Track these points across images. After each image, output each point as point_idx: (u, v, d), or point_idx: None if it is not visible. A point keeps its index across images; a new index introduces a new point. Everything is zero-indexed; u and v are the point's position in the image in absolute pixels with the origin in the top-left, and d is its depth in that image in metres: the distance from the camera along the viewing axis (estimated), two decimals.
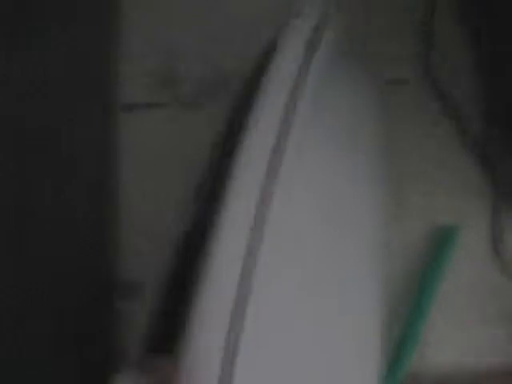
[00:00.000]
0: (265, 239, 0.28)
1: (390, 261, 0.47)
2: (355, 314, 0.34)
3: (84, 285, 0.51)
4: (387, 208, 0.42)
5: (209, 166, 0.40)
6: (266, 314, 0.27)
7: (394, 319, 0.47)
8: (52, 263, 0.50)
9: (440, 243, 0.50)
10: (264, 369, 0.27)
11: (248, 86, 0.38)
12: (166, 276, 0.38)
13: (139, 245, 0.51)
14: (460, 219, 0.52)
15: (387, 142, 0.45)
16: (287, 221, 0.29)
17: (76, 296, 0.50)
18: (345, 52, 0.40)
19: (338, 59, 0.38)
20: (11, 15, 0.52)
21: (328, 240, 0.33)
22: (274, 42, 0.35)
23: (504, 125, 0.52)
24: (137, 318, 0.50)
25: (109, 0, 0.56)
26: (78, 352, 0.50)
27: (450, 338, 0.48)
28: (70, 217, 0.51)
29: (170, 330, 0.30)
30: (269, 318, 0.27)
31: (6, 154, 0.51)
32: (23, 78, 0.51)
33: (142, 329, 0.49)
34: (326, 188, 0.34)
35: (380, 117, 0.45)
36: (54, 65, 0.53)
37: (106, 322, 0.51)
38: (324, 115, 0.35)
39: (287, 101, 0.32)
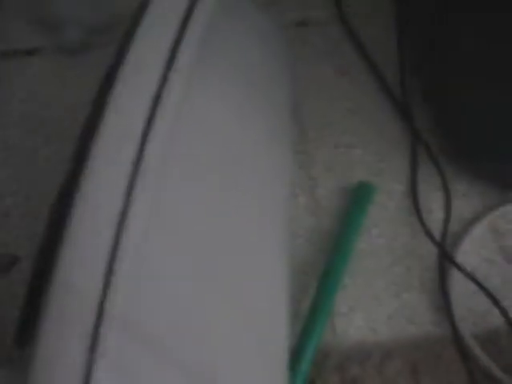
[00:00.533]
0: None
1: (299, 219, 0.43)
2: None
3: None
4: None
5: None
6: None
7: (303, 287, 0.43)
8: None
9: (354, 201, 0.45)
10: None
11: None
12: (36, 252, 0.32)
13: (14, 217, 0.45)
14: (376, 175, 0.47)
15: (293, 85, 0.40)
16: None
17: None
18: None
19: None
20: None
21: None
22: None
23: (420, 71, 0.47)
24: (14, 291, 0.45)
25: None
26: None
27: (362, 306, 0.43)
28: None
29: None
30: None
31: None
32: None
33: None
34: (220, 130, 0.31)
35: (282, 59, 0.40)
36: None
37: None
38: (217, 57, 0.32)
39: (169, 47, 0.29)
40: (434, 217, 0.45)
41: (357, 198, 0.45)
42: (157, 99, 0.27)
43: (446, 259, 0.43)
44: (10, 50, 0.49)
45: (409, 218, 0.45)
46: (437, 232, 0.44)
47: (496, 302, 0.41)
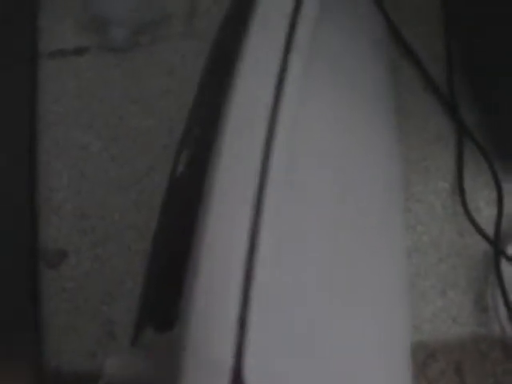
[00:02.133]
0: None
1: None
2: None
3: (9, 254, 0.46)
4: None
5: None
6: None
7: None
8: None
9: None
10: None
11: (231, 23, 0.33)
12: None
13: (61, 211, 0.47)
14: (421, 173, 0.46)
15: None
16: None
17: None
18: None
19: None
20: None
21: None
22: None
23: (466, 70, 0.47)
24: (63, 284, 0.46)
25: None
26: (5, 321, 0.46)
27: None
28: None
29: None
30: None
31: None
32: None
33: (67, 295, 0.45)
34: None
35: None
36: None
37: (33, 288, 0.47)
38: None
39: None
40: (482, 214, 0.45)
41: None
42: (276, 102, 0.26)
43: (500, 257, 0.42)
44: (57, 50, 0.50)
45: (455, 216, 0.45)
46: (485, 230, 0.43)
47: None
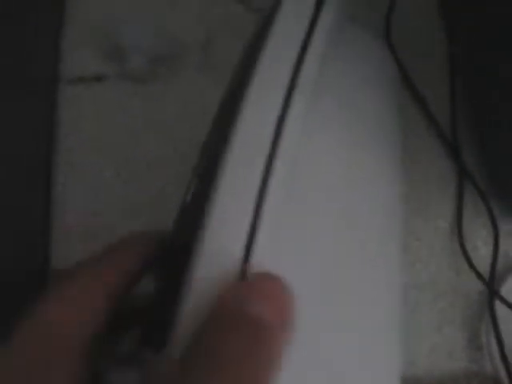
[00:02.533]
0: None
1: None
2: None
3: (17, 275, 0.48)
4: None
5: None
6: None
7: None
8: None
9: None
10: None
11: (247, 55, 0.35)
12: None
13: (73, 233, 0.48)
14: (422, 211, 0.48)
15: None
16: None
17: (10, 287, 0.47)
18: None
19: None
20: None
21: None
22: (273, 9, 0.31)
23: (471, 109, 0.48)
24: None
25: None
26: None
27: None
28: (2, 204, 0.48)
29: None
30: None
31: None
32: None
33: None
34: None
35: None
36: None
37: None
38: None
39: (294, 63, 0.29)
40: (480, 254, 0.46)
41: None
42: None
43: (494, 297, 0.43)
44: (78, 77, 0.52)
45: (454, 255, 0.46)
46: (481, 269, 0.45)
47: None
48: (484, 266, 0.46)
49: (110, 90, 0.51)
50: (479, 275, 0.43)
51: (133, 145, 0.49)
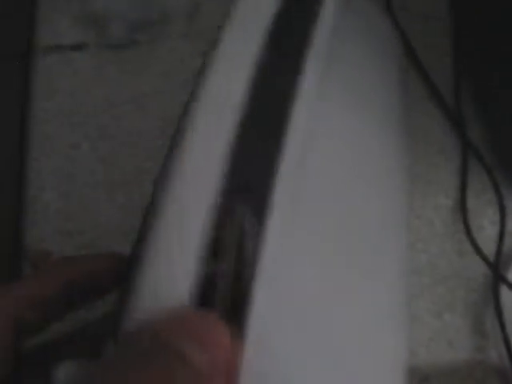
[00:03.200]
0: None
1: None
2: None
3: None
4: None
5: None
6: None
7: None
8: None
9: None
10: None
11: None
12: None
13: (48, 211, 0.45)
14: (423, 187, 0.44)
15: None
16: None
17: None
18: None
19: None
20: None
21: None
22: None
23: (473, 84, 0.45)
24: None
25: None
26: None
27: None
28: None
29: None
30: None
31: None
32: None
33: None
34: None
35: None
36: None
37: None
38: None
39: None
40: (485, 234, 0.43)
41: None
42: None
43: (499, 281, 0.40)
44: (54, 45, 0.48)
45: (456, 235, 0.43)
46: (487, 251, 0.41)
47: None
48: (490, 247, 0.42)
49: (88, 59, 0.48)
50: (484, 257, 0.40)
51: (111, 118, 0.46)
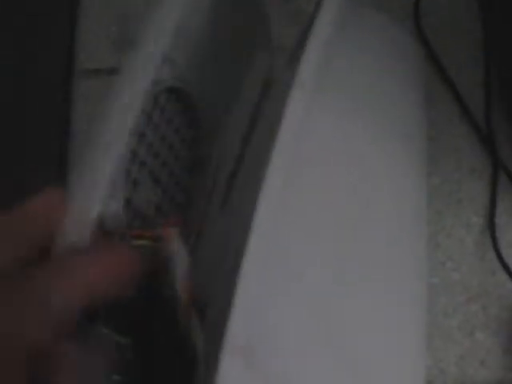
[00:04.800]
0: None
1: None
2: None
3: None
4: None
5: None
6: None
7: None
8: None
9: None
10: None
11: None
12: None
13: None
14: (454, 205, 0.44)
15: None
16: None
17: None
18: None
19: None
20: None
21: None
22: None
23: (505, 100, 0.45)
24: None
25: None
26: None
27: (432, 343, 0.41)
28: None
29: None
30: None
31: None
32: None
33: None
34: None
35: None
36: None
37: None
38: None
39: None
40: None
41: None
42: None
43: None
44: (93, 69, 0.50)
45: (488, 253, 0.43)
46: None
47: None
48: None
49: None
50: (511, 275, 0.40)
51: None
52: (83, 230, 0.23)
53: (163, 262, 0.25)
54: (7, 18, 0.49)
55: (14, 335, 0.21)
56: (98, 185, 0.24)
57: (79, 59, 0.51)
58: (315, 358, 0.25)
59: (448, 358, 0.40)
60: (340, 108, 0.31)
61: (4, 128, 0.48)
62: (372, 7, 0.39)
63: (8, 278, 0.22)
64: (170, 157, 0.32)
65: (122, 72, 0.26)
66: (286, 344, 0.24)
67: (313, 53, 0.28)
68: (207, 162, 0.36)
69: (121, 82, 0.26)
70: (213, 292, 0.27)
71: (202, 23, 0.33)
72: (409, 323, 0.30)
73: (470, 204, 0.44)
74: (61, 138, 0.48)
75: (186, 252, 0.25)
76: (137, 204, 0.28)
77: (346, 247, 0.28)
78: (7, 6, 0.49)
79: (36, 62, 0.49)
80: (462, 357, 0.40)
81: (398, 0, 0.49)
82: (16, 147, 0.48)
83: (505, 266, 0.40)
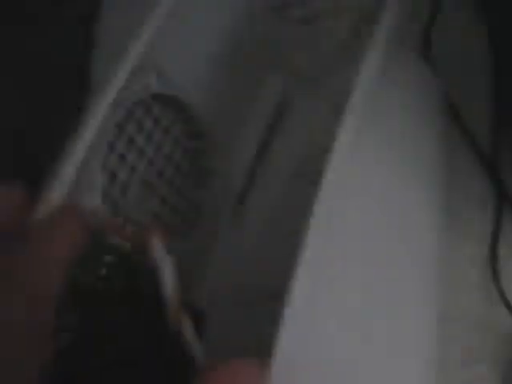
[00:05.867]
0: None
1: None
2: None
3: None
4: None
5: None
6: None
7: None
8: None
9: None
10: None
11: None
12: None
13: None
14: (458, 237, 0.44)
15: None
16: None
17: None
18: None
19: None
20: None
21: None
22: None
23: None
24: None
25: None
26: None
27: None
28: None
29: None
30: None
31: None
32: None
33: None
34: None
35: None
36: None
37: None
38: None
39: None
40: None
41: None
42: None
43: None
44: None
45: (488, 285, 0.42)
46: None
47: None
48: None
49: None
50: (510, 309, 0.39)
51: None
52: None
53: (143, 264, 0.25)
54: None
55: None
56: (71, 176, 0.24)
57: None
58: None
59: None
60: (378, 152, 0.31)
61: None
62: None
63: None
64: (167, 166, 0.32)
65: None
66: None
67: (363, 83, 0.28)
68: (213, 174, 0.36)
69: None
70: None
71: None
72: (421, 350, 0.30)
73: (473, 235, 0.44)
74: None
75: (168, 256, 0.25)
76: (126, 208, 0.28)
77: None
78: None
79: None
80: None
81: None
82: None
83: (503, 297, 0.40)
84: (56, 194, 0.23)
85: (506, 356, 0.40)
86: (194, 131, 0.34)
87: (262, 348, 0.22)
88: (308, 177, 0.30)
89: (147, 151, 0.29)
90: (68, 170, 0.24)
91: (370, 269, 0.28)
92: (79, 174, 0.24)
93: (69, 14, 0.53)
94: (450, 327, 0.41)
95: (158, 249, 0.25)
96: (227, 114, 0.35)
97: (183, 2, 0.29)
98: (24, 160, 0.48)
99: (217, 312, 0.28)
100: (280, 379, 0.21)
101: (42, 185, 0.24)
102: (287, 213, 0.32)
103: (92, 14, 0.53)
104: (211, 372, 0.21)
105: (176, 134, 0.32)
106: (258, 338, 0.22)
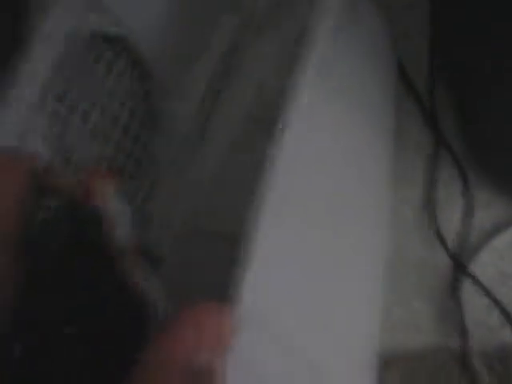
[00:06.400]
0: None
1: None
2: None
3: None
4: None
5: None
6: None
7: None
8: None
9: None
10: None
11: None
12: None
13: None
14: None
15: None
16: None
17: None
18: None
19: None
20: None
21: None
22: None
23: (450, 76, 0.46)
24: None
25: None
26: None
27: None
28: None
29: None
30: None
31: None
32: None
33: None
34: None
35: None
36: None
37: None
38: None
39: None
40: (453, 227, 0.44)
41: None
42: None
43: (459, 270, 0.41)
44: None
45: (425, 226, 0.44)
46: (455, 243, 0.43)
47: (509, 318, 0.39)
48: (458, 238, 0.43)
49: None
50: (446, 247, 0.41)
51: None
52: None
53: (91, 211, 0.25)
54: None
55: None
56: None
57: None
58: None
59: (384, 324, 0.42)
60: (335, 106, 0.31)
61: None
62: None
63: None
64: (122, 112, 0.32)
65: None
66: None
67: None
68: (164, 115, 0.36)
69: None
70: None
71: None
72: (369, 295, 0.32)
73: (411, 178, 0.45)
74: None
75: (121, 202, 0.25)
76: (78, 158, 0.28)
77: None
78: None
79: None
80: (398, 324, 0.42)
81: None
82: None
83: (439, 237, 0.42)
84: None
85: (442, 292, 0.42)
86: (143, 72, 0.33)
87: (220, 292, 0.22)
88: (261, 120, 0.31)
89: (99, 97, 0.29)
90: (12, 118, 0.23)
91: (325, 210, 0.29)
92: (23, 122, 0.24)
93: None
94: (388, 267, 0.43)
95: (110, 195, 0.25)
96: (178, 56, 0.34)
97: None
98: None
99: (175, 257, 0.28)
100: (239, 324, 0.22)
101: None
102: (239, 157, 0.32)
103: None
104: (173, 318, 0.21)
105: (127, 79, 0.32)
106: (217, 282, 0.23)
